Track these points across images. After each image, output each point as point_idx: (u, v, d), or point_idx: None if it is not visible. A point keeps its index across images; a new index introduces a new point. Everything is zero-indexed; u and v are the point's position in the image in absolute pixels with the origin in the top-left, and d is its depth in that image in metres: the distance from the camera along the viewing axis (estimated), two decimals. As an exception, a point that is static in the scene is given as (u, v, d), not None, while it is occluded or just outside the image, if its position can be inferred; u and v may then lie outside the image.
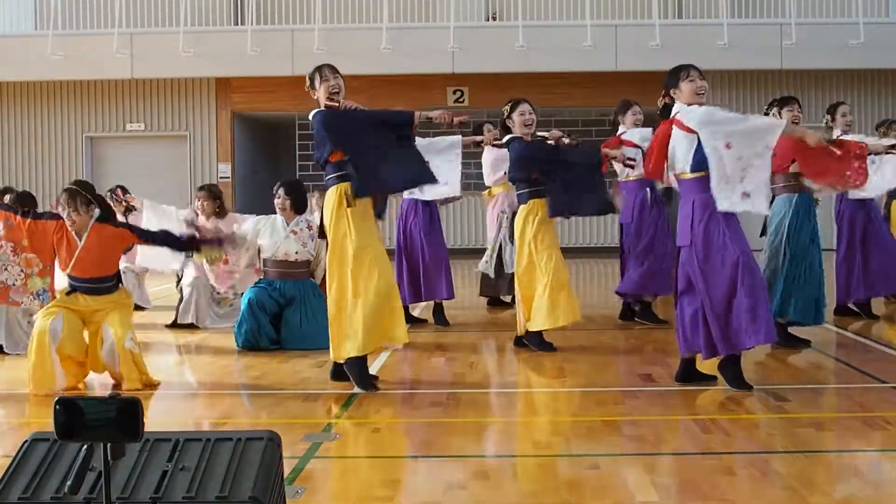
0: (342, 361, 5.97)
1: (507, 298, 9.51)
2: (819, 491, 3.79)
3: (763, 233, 7.34)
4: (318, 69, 6.05)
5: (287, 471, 3.81)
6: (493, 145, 8.29)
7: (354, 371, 5.93)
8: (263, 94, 18.16)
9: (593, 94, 17.66)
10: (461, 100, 18.15)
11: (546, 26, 17.34)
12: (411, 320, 8.86)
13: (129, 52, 17.13)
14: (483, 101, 18.23)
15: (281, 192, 7.92)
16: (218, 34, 17.65)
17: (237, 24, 18.44)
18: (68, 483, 2.29)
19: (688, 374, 5.94)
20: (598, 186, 7.20)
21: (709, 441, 4.72)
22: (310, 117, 6.01)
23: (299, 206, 7.98)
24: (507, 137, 7.33)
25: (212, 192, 8.85)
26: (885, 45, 16.72)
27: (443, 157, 8.36)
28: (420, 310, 9.42)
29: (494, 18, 18.49)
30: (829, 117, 8.75)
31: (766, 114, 8.77)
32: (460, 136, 8.46)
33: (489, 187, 9.53)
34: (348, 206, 5.86)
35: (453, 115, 6.11)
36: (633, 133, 8.44)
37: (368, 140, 5.89)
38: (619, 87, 17.45)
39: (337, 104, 5.96)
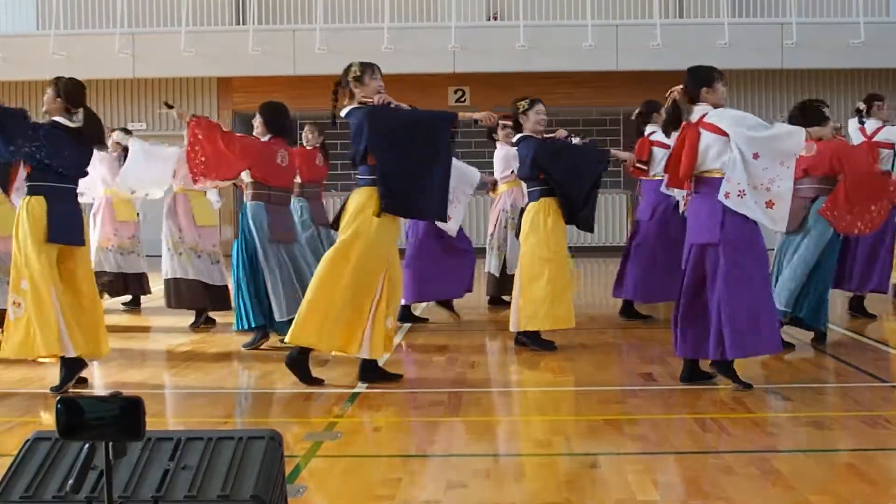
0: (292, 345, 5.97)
1: (509, 298, 9.52)
2: (819, 490, 3.79)
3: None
4: (371, 66, 6.04)
5: (288, 469, 3.82)
6: (499, 128, 8.32)
7: (297, 366, 5.97)
8: (265, 93, 18.04)
9: (594, 94, 17.66)
10: (462, 99, 18.15)
11: (547, 26, 17.33)
12: (412, 319, 8.87)
13: (131, 51, 17.14)
14: (484, 100, 18.20)
15: (257, 113, 7.63)
16: (219, 34, 17.66)
17: (239, 24, 18.44)
18: (70, 482, 2.30)
19: (693, 374, 5.94)
20: (592, 202, 7.29)
21: (709, 440, 4.73)
22: (343, 114, 5.98)
23: (272, 127, 7.51)
24: (517, 136, 7.35)
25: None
26: (885, 45, 16.71)
27: (459, 188, 8.32)
28: (421, 310, 9.42)
29: (496, 18, 18.49)
30: (863, 106, 8.74)
31: (859, 111, 8.80)
32: (479, 174, 8.69)
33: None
34: (376, 214, 5.86)
35: (498, 116, 6.13)
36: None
37: (404, 153, 5.85)
38: (620, 87, 17.48)
39: (373, 101, 5.95)
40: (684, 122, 5.81)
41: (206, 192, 8.74)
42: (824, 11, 17.59)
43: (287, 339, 6.00)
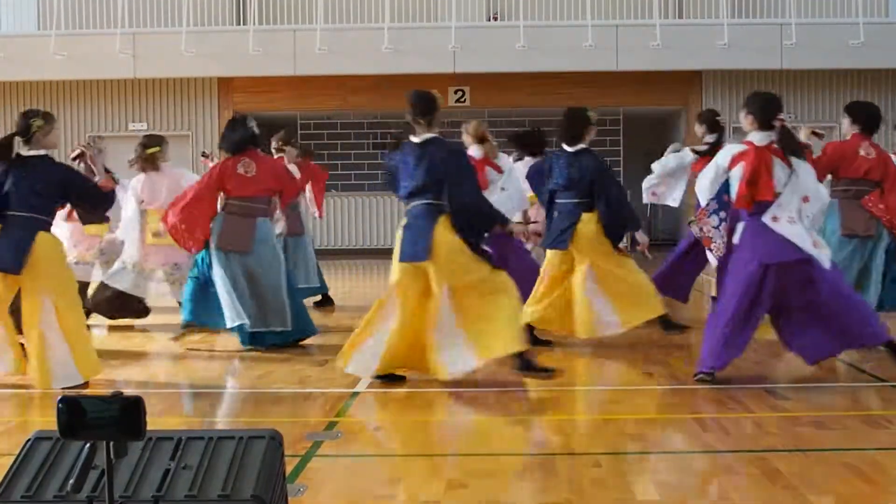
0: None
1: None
2: (819, 490, 3.80)
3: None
4: None
5: (289, 469, 3.82)
6: None
7: (526, 366, 6.07)
8: (265, 93, 18.18)
9: (593, 94, 17.64)
10: (462, 100, 18.16)
11: (547, 26, 17.35)
12: None
13: (132, 51, 17.16)
14: (484, 100, 18.24)
15: None
16: (220, 34, 17.68)
17: (239, 24, 18.46)
18: (71, 482, 2.30)
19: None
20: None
21: (709, 440, 4.74)
22: (422, 139, 6.02)
23: (224, 146, 7.59)
24: (579, 147, 7.38)
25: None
26: (885, 45, 16.73)
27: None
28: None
29: (496, 18, 18.50)
30: None
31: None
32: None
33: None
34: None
35: (531, 235, 6.18)
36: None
37: (476, 217, 6.07)
38: (620, 87, 17.50)
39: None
40: (748, 143, 5.85)
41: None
42: (824, 12, 17.61)
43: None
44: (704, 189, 5.98)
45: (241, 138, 7.48)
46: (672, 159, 8.56)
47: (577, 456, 4.50)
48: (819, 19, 17.31)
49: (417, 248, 5.94)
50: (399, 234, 6.09)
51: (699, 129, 8.65)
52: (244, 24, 18.08)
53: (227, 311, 7.28)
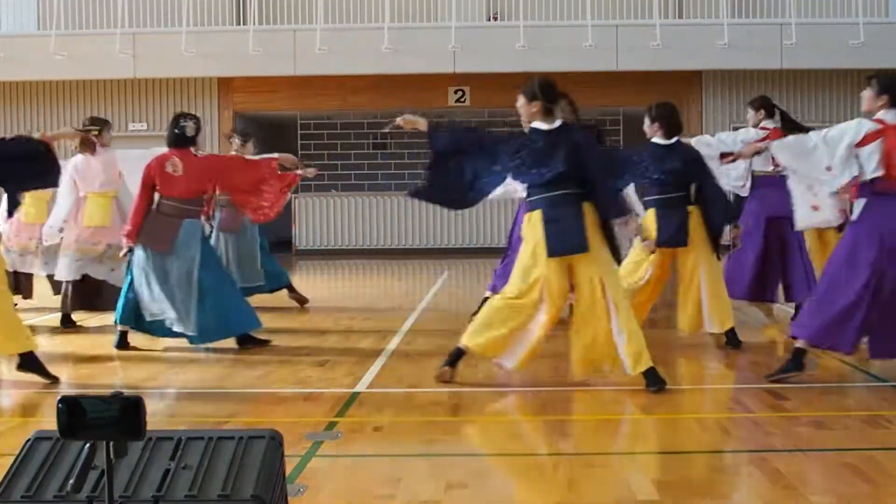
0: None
1: None
2: (819, 490, 3.80)
3: None
4: None
5: (289, 469, 3.82)
6: None
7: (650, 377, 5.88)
8: (265, 93, 18.19)
9: (593, 94, 17.63)
10: (462, 100, 18.16)
11: (547, 26, 17.36)
12: None
13: (132, 51, 17.16)
14: (484, 100, 18.24)
15: None
16: (220, 34, 17.68)
17: (239, 24, 18.46)
18: (71, 482, 2.31)
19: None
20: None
21: (709, 439, 4.74)
22: (550, 126, 5.89)
23: (167, 140, 7.48)
24: (675, 138, 7.19)
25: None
26: (885, 45, 16.72)
27: None
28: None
29: (496, 18, 18.50)
30: None
31: None
32: None
33: None
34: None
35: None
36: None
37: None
38: (620, 87, 17.50)
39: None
40: (879, 121, 5.75)
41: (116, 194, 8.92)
42: (824, 12, 17.61)
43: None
44: (835, 167, 5.81)
45: (169, 135, 7.41)
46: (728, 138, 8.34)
47: (577, 456, 4.50)
48: (819, 19, 17.31)
49: (575, 240, 5.72)
50: (539, 228, 5.79)
51: (755, 116, 8.50)
52: (244, 24, 18.08)
53: (143, 307, 7.37)
